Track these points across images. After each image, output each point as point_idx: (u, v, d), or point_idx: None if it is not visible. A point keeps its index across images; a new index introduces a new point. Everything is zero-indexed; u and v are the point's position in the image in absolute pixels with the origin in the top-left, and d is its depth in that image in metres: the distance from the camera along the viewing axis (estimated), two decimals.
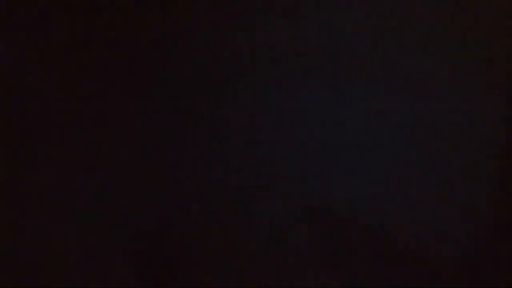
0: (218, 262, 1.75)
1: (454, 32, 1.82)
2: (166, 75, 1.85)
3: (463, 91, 1.79)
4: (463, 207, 1.74)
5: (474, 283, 1.69)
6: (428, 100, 1.80)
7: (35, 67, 1.85)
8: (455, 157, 1.77)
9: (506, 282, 1.68)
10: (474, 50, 1.81)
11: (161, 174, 1.81)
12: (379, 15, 1.84)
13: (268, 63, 1.84)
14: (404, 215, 1.75)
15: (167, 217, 1.78)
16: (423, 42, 1.82)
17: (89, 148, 1.82)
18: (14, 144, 1.82)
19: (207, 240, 1.77)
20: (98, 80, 1.85)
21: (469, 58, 1.81)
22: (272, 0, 1.86)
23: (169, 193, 1.80)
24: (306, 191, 1.78)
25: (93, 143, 1.82)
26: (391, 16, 1.83)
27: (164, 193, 1.80)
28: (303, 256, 1.74)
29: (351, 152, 1.79)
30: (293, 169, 1.79)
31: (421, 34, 1.82)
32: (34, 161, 1.81)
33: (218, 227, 1.77)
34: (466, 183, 1.75)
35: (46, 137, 1.82)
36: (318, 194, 1.78)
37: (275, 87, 1.83)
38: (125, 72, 1.85)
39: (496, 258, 1.70)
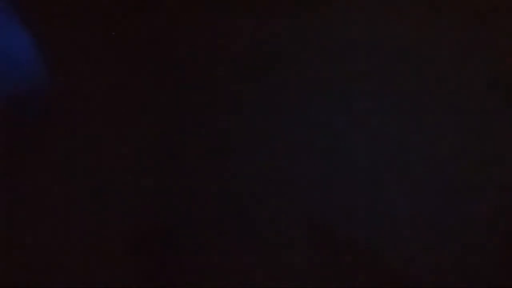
0: (217, 265, 1.75)
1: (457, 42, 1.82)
2: (170, 75, 1.86)
3: (467, 99, 1.79)
4: (464, 224, 1.73)
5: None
6: (432, 108, 1.80)
7: (35, 66, 1.85)
8: (458, 168, 1.76)
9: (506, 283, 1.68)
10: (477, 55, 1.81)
11: (163, 176, 1.81)
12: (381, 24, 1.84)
13: (271, 68, 1.84)
14: (405, 231, 1.75)
15: (167, 221, 1.78)
16: (427, 50, 1.82)
17: (90, 147, 1.82)
18: (15, 141, 1.82)
19: (207, 244, 1.77)
20: (101, 80, 1.85)
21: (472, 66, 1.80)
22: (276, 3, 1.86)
23: (170, 197, 1.80)
24: (306, 200, 1.78)
25: (95, 142, 1.82)
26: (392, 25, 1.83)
27: (165, 196, 1.80)
28: (302, 263, 1.74)
29: (352, 161, 1.79)
30: (294, 178, 1.79)
31: (423, 42, 1.82)
32: (35, 160, 1.81)
33: (218, 232, 1.77)
34: (470, 196, 1.75)
35: (47, 136, 1.82)
36: (319, 205, 1.77)
37: (277, 94, 1.83)
38: (129, 72, 1.86)
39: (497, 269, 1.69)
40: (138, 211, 1.78)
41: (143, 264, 1.75)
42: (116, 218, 1.78)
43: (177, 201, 1.79)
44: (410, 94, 1.80)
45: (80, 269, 1.75)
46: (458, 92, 1.79)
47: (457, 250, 1.70)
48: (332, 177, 1.77)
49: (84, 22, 1.87)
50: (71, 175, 1.80)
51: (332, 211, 1.75)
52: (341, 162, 1.78)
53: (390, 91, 1.81)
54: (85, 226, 1.78)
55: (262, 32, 1.86)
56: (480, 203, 1.72)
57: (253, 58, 1.85)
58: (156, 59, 1.86)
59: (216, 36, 1.86)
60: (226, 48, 1.86)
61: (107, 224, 1.78)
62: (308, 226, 1.74)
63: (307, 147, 1.80)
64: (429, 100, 1.79)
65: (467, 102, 1.78)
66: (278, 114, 1.82)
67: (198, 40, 1.87)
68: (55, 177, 1.80)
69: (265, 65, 1.84)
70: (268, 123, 1.82)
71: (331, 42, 1.84)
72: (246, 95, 1.83)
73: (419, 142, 1.78)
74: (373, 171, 1.77)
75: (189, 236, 1.77)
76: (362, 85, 1.81)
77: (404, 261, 1.71)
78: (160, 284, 1.74)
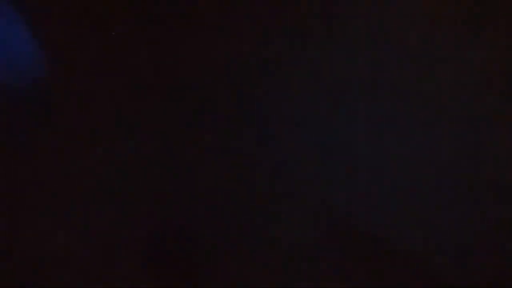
0: (224, 263, 1.75)
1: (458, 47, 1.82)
2: (170, 76, 1.86)
3: (467, 99, 1.79)
4: (466, 212, 1.74)
5: (474, 283, 1.69)
6: (430, 106, 1.80)
7: (36, 65, 1.86)
8: (457, 169, 1.76)
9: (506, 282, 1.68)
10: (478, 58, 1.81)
11: (172, 175, 1.81)
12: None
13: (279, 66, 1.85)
14: (410, 219, 1.75)
15: (174, 218, 1.79)
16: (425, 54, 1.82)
17: (98, 148, 1.82)
18: (16, 141, 1.82)
19: (213, 241, 1.77)
20: (101, 80, 1.86)
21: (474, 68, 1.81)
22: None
23: (178, 195, 1.80)
24: (308, 200, 1.78)
25: (101, 142, 1.83)
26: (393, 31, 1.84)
27: (172, 195, 1.80)
28: (308, 257, 1.74)
29: (353, 161, 1.80)
30: (295, 178, 1.80)
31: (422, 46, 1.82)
32: (38, 160, 1.82)
33: (225, 229, 1.77)
34: (468, 188, 1.75)
35: (47, 136, 1.82)
36: (320, 204, 1.78)
37: (281, 91, 1.84)
38: (130, 71, 1.86)
39: (496, 258, 1.69)
40: (137, 211, 1.79)
41: (151, 266, 1.76)
42: (116, 218, 1.78)
43: (181, 203, 1.80)
44: (410, 94, 1.80)
45: (86, 270, 1.75)
46: (458, 92, 1.79)
47: (454, 249, 1.71)
48: (333, 177, 1.77)
49: (84, 22, 1.87)
50: (71, 175, 1.80)
51: (333, 210, 1.76)
52: (341, 162, 1.78)
53: (390, 92, 1.81)
54: (85, 226, 1.78)
55: (262, 32, 1.86)
56: (479, 203, 1.73)
57: (253, 58, 1.85)
58: (156, 59, 1.86)
59: (217, 37, 1.86)
60: (226, 49, 1.86)
61: (113, 226, 1.78)
62: (309, 225, 1.75)
63: (307, 147, 1.80)
64: (429, 101, 1.80)
65: (467, 102, 1.78)
66: (278, 114, 1.82)
67: (199, 40, 1.87)
68: (55, 177, 1.80)
69: (265, 65, 1.85)
70: (269, 123, 1.82)
71: (331, 43, 1.84)
72: (247, 95, 1.84)
73: (420, 142, 1.78)
74: (373, 170, 1.77)
75: (197, 239, 1.77)
76: (362, 86, 1.82)
77: (405, 251, 1.71)
78: (169, 285, 1.74)
